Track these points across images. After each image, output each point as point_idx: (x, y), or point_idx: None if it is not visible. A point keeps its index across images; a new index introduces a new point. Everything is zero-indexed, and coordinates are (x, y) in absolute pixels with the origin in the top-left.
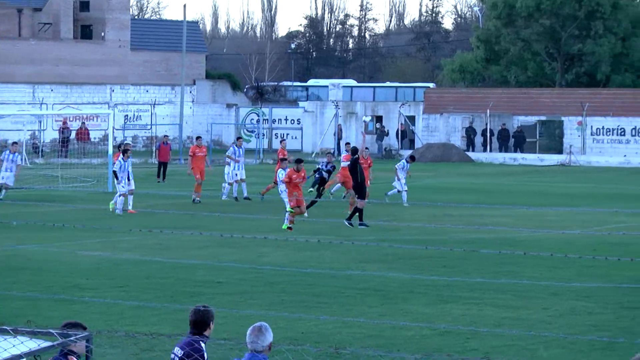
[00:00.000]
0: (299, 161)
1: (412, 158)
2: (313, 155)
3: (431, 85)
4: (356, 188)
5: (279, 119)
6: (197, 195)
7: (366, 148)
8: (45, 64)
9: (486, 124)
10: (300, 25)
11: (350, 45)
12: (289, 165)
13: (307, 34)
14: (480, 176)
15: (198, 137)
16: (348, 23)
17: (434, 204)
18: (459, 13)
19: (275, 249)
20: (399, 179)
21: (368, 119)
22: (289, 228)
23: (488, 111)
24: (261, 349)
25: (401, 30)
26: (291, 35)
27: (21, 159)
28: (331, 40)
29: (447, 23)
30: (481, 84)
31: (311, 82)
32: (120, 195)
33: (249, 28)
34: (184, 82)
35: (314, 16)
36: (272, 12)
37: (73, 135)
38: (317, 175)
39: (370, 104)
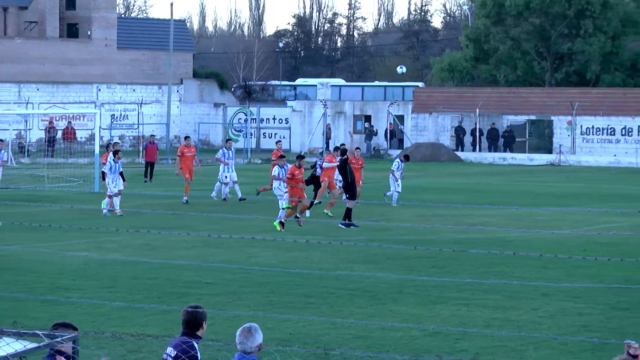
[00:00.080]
0: (300, 157)
1: (406, 157)
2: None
3: (420, 84)
4: (346, 188)
5: (267, 119)
6: (185, 195)
7: (357, 148)
8: (31, 62)
9: (475, 124)
10: (289, 23)
11: (339, 44)
12: (292, 162)
13: (295, 33)
14: (469, 176)
15: (187, 137)
16: (336, 22)
17: (423, 204)
18: (448, 12)
19: (263, 249)
20: (396, 180)
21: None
22: (281, 224)
23: (477, 110)
24: (250, 350)
25: (390, 29)
26: (279, 34)
27: (7, 157)
28: (319, 39)
29: (436, 22)
30: (470, 83)
31: (299, 81)
32: (109, 197)
33: (237, 27)
34: (171, 81)
35: (302, 15)
36: (260, 11)
37: (59, 134)
38: (313, 172)
39: (359, 103)
